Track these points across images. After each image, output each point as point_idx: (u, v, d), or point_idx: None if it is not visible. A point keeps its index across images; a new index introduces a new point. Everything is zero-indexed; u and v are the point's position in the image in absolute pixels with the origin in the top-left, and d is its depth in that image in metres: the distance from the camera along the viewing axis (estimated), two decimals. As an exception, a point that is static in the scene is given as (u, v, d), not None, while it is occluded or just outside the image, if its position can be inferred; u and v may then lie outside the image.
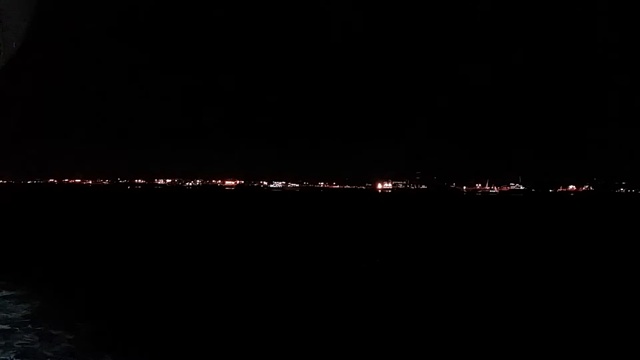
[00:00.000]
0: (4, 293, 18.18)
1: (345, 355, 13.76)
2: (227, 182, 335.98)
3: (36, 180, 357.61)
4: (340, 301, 19.37)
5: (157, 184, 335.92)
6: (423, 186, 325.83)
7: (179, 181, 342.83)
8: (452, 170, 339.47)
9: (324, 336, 15.18)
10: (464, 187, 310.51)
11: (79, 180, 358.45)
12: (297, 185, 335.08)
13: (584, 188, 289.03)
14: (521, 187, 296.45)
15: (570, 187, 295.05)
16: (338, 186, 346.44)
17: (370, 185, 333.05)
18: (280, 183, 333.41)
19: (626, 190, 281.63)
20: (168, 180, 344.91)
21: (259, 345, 14.35)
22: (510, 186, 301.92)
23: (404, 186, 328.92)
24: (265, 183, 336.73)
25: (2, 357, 12.23)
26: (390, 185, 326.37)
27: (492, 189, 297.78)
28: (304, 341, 14.72)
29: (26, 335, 13.94)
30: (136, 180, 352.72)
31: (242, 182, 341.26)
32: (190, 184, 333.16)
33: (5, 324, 14.78)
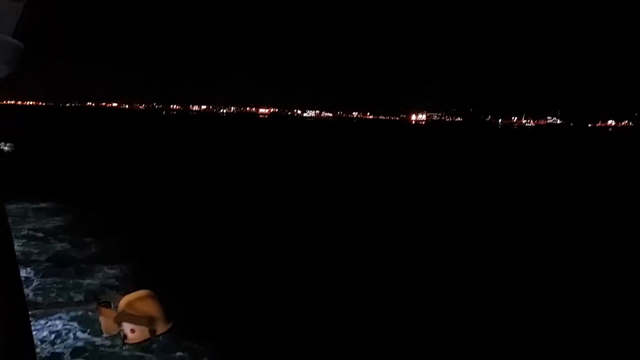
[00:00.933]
0: (41, 205, 19.78)
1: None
2: (261, 110, 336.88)
3: (74, 104, 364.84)
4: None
5: (192, 110, 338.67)
6: (458, 118, 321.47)
7: (213, 108, 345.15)
8: (489, 103, 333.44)
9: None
10: (500, 120, 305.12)
11: (116, 105, 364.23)
12: (331, 114, 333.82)
13: (623, 123, 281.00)
14: (558, 121, 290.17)
15: (610, 121, 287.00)
16: (372, 117, 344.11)
17: (404, 116, 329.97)
18: (314, 112, 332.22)
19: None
20: (203, 107, 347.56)
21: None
22: (547, 120, 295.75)
23: (438, 118, 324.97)
24: (299, 112, 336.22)
25: (38, 260, 13.79)
26: (424, 117, 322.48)
27: (528, 122, 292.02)
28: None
29: (59, 243, 15.57)
30: (171, 106, 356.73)
31: (276, 110, 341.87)
32: (225, 110, 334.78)
33: (40, 233, 16.50)
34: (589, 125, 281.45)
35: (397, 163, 46.62)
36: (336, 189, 29.92)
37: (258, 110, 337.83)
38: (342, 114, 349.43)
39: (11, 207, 18.42)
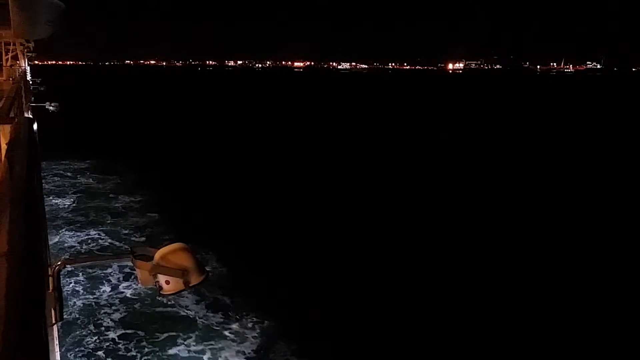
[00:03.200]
0: (83, 164, 22.17)
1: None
2: (296, 64, 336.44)
3: (114, 62, 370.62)
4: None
5: (227, 65, 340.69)
6: (498, 66, 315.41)
7: (249, 62, 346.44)
8: (529, 49, 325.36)
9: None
10: (538, 67, 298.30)
11: (154, 62, 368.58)
12: (366, 66, 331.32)
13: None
14: (599, 66, 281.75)
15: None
16: (408, 67, 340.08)
17: (442, 65, 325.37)
18: (349, 64, 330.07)
19: None
20: (239, 62, 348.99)
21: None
22: (587, 65, 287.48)
23: (477, 66, 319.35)
24: (334, 64, 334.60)
25: (67, 193, 16.64)
26: (462, 65, 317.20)
27: (568, 68, 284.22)
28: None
29: (85, 179, 19.11)
30: (208, 62, 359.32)
31: (311, 63, 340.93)
32: (260, 65, 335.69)
33: (69, 172, 20.11)
34: (633, 69, 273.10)
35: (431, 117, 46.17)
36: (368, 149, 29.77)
37: (293, 64, 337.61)
38: (378, 64, 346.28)
39: (54, 166, 20.91)
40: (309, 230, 14.28)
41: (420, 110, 51.94)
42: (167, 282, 1.68)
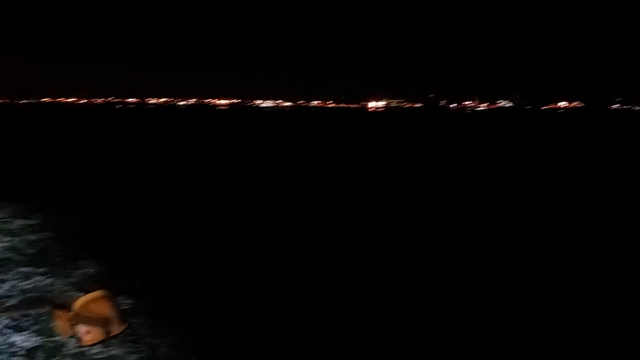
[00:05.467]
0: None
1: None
2: (219, 102, 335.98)
3: (31, 100, 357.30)
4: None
5: (149, 103, 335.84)
6: (418, 104, 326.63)
7: (171, 100, 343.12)
8: (447, 88, 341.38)
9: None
10: (452, 105, 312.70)
11: (74, 100, 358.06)
12: (290, 104, 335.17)
13: (574, 104, 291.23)
14: (509, 104, 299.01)
15: (561, 103, 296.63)
16: (333, 105, 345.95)
17: (364, 103, 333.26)
18: (273, 102, 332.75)
19: (621, 107, 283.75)
20: (161, 100, 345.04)
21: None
22: (498, 103, 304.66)
23: (398, 104, 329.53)
24: (258, 102, 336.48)
25: None
26: (383, 104, 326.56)
27: (480, 106, 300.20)
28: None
29: (11, 241, 16.38)
30: (129, 100, 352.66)
31: (236, 101, 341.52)
32: (184, 103, 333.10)
33: None
34: (542, 107, 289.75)
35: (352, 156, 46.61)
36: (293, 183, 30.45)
37: (217, 102, 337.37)
38: (303, 102, 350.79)
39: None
40: (237, 276, 13.61)
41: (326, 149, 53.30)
42: (88, 332, 1.59)
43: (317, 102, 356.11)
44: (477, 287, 12.90)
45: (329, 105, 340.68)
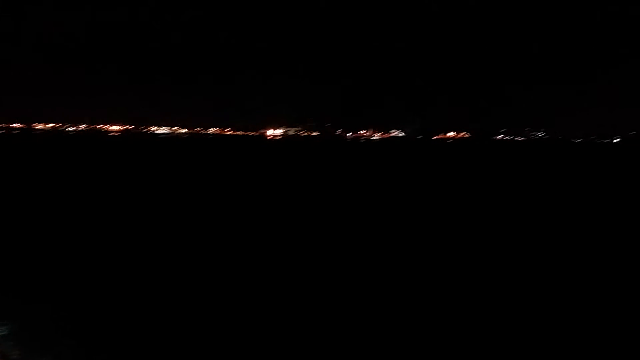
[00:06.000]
0: None
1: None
2: (112, 127, 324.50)
3: None
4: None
5: (36, 128, 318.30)
6: (316, 133, 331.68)
7: (60, 126, 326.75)
8: (344, 117, 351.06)
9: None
10: (348, 134, 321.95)
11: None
12: (186, 130, 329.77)
13: (461, 135, 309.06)
14: (401, 134, 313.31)
15: (450, 134, 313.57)
16: (231, 132, 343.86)
17: (262, 131, 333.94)
18: (168, 129, 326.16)
19: (504, 137, 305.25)
20: (49, 125, 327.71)
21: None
22: (391, 133, 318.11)
23: (295, 132, 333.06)
24: (153, 128, 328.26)
25: None
26: (281, 132, 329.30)
27: (375, 135, 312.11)
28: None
29: None
30: (13, 125, 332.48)
31: (129, 127, 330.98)
32: (73, 128, 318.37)
33: None
34: (432, 137, 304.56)
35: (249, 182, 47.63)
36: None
37: (109, 128, 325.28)
38: (200, 129, 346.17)
39: None
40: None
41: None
42: None
43: (214, 129, 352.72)
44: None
45: (227, 133, 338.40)
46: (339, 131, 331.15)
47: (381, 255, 18.42)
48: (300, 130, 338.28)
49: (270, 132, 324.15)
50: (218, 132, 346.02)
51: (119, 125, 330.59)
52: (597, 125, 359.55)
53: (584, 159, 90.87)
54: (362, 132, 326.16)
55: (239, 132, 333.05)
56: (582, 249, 18.99)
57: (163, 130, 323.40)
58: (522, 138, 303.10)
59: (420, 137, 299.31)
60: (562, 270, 16.09)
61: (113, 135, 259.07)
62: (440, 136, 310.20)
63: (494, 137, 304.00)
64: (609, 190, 38.52)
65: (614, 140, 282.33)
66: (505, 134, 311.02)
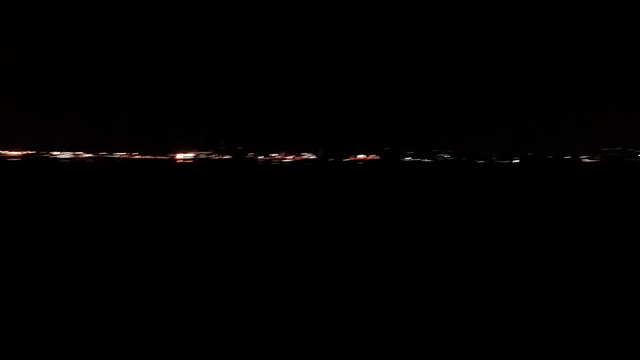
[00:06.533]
0: None
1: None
2: (10, 153, 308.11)
3: None
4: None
5: None
6: (227, 156, 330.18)
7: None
8: (256, 140, 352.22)
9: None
10: (260, 157, 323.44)
11: None
12: (91, 155, 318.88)
13: (370, 157, 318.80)
14: (312, 157, 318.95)
15: (360, 155, 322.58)
16: (139, 156, 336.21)
17: (172, 155, 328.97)
18: (71, 153, 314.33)
19: (412, 159, 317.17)
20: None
21: None
22: (303, 155, 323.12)
23: (206, 156, 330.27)
24: (56, 153, 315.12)
25: None
26: (191, 155, 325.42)
27: (287, 158, 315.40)
28: None
29: None
30: None
31: (31, 152, 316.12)
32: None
33: None
34: (344, 159, 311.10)
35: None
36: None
37: (8, 152, 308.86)
38: (106, 154, 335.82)
39: None
40: None
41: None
42: None
43: (121, 153, 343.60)
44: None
45: (135, 157, 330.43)
46: (250, 154, 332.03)
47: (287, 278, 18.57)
48: (211, 154, 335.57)
49: (180, 156, 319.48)
50: (125, 156, 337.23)
51: (19, 151, 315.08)
52: (500, 146, 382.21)
53: (481, 179, 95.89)
54: (274, 154, 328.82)
55: (147, 156, 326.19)
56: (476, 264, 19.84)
57: (65, 155, 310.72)
58: (429, 160, 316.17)
59: (332, 159, 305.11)
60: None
61: (12, 161, 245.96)
62: (351, 158, 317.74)
63: (402, 159, 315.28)
64: (503, 207, 40.92)
65: (514, 161, 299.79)
66: (413, 156, 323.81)
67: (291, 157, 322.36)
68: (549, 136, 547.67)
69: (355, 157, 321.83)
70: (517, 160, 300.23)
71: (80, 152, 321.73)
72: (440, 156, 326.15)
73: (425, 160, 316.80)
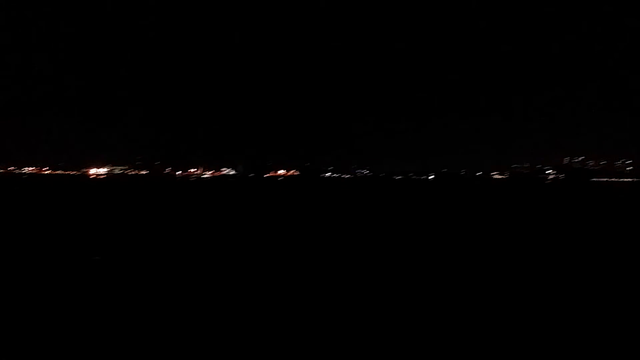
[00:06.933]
0: None
1: None
2: None
3: None
4: None
5: None
6: (144, 171, 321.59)
7: None
8: (175, 155, 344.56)
9: None
10: (177, 172, 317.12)
11: None
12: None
13: (290, 172, 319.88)
14: (232, 172, 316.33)
15: (280, 171, 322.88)
16: (49, 171, 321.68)
17: (85, 170, 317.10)
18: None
19: (331, 175, 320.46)
20: None
21: None
22: (222, 171, 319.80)
23: (122, 171, 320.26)
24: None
25: None
26: (105, 170, 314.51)
27: (206, 174, 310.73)
28: None
29: None
30: None
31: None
32: None
33: None
34: (264, 175, 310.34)
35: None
36: None
37: None
38: (13, 169, 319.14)
39: None
40: None
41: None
42: None
43: (31, 168, 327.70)
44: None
45: (45, 172, 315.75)
46: (168, 169, 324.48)
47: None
48: (127, 169, 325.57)
49: (93, 171, 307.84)
50: (35, 171, 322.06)
51: None
52: (418, 163, 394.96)
53: (396, 193, 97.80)
54: (192, 170, 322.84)
55: (58, 172, 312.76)
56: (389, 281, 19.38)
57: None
58: (348, 175, 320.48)
59: (252, 175, 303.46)
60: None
61: None
62: (272, 174, 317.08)
63: (322, 175, 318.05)
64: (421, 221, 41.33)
65: (429, 177, 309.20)
66: (333, 171, 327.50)
67: (210, 172, 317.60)
68: (462, 152, 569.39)
69: (276, 172, 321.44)
70: (432, 176, 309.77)
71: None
72: (360, 172, 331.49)
73: (345, 175, 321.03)
